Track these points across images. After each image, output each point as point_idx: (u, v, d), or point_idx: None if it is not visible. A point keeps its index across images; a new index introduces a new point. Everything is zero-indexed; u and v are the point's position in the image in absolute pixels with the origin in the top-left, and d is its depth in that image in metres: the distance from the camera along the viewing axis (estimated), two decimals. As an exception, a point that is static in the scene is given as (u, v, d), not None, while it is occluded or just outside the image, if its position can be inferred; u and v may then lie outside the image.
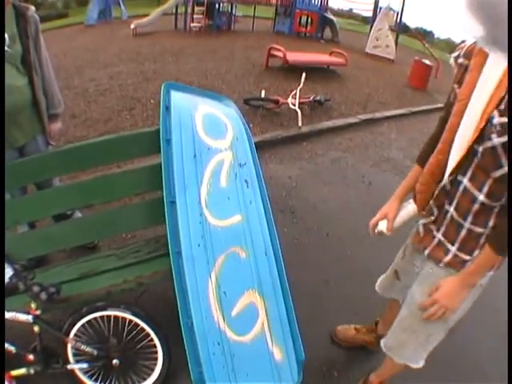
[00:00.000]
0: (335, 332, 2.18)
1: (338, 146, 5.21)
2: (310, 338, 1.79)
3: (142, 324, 1.65)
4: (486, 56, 1.09)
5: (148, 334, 1.66)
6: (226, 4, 14.26)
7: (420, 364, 1.55)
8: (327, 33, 15.62)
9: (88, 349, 1.61)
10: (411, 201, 1.50)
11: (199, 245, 1.52)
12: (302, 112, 5.37)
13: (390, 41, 12.39)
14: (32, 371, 1.60)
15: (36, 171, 1.71)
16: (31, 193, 2.23)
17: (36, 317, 1.52)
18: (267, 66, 8.26)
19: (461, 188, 1.20)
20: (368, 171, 4.54)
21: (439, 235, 1.32)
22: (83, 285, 1.76)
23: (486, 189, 1.14)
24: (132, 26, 11.74)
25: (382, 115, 6.69)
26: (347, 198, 3.85)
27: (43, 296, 1.43)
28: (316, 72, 8.16)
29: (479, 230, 1.22)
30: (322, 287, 2.57)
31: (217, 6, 13.64)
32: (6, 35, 1.82)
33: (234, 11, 14.91)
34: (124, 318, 1.65)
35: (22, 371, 1.60)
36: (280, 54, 7.92)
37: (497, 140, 1.04)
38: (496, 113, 1.04)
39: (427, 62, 9.53)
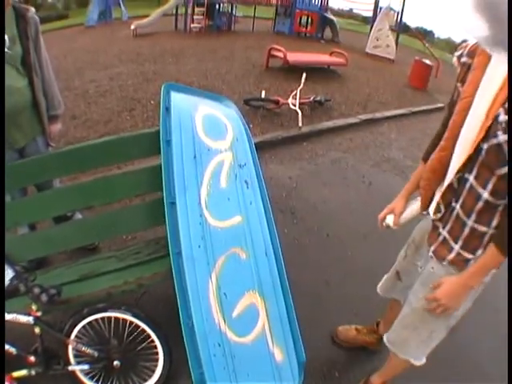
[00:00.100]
0: (336, 332, 2.18)
1: (339, 146, 5.21)
2: (311, 338, 1.79)
3: (143, 325, 1.65)
4: (489, 55, 1.09)
5: (149, 336, 1.66)
6: (226, 4, 14.27)
7: (423, 361, 1.55)
8: (327, 33, 15.62)
9: (89, 350, 1.61)
10: (419, 198, 1.51)
11: (199, 246, 1.52)
12: (302, 112, 5.37)
13: (391, 41, 12.39)
14: (33, 373, 1.60)
15: (36, 172, 1.71)
16: (31, 194, 2.23)
17: (37, 318, 1.53)
18: (267, 66, 8.27)
19: (467, 185, 1.20)
20: (368, 171, 4.54)
21: (444, 232, 1.32)
22: (83, 286, 1.76)
23: (490, 186, 1.14)
24: (132, 27, 11.75)
25: (383, 115, 6.69)
26: (347, 199, 3.85)
27: (44, 298, 1.44)
28: (316, 72, 8.16)
29: (482, 228, 1.22)
30: (323, 288, 2.57)
31: (217, 6, 13.65)
32: (6, 36, 1.83)
33: (234, 12, 14.92)
34: (125, 320, 1.65)
35: (22, 373, 1.60)
36: (280, 55, 7.92)
37: (502, 137, 1.04)
38: (502, 111, 1.05)
39: (427, 61, 9.52)
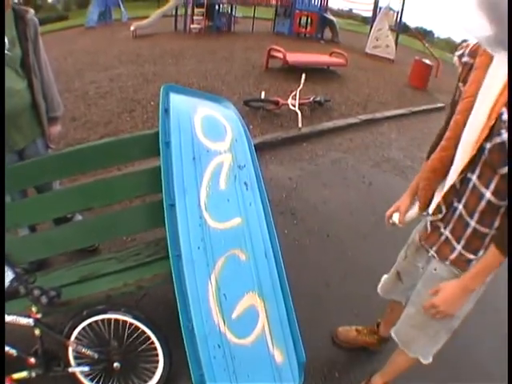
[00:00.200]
0: (336, 333, 2.18)
1: (339, 146, 5.21)
2: (311, 339, 1.79)
3: (143, 327, 1.65)
4: (491, 55, 1.10)
5: (149, 337, 1.66)
6: (225, 5, 14.29)
7: (429, 360, 1.56)
8: (327, 33, 15.63)
9: (89, 352, 1.61)
10: None
11: (199, 247, 1.52)
12: (302, 113, 5.37)
13: (390, 41, 12.39)
14: (33, 374, 1.60)
15: (36, 174, 1.71)
16: (31, 196, 2.23)
17: (37, 320, 1.53)
18: (267, 67, 8.27)
19: (470, 185, 1.21)
20: (368, 172, 4.54)
21: (447, 232, 1.32)
22: (83, 288, 1.76)
23: (492, 186, 1.14)
24: (132, 28, 11.77)
25: (383, 115, 6.68)
26: (348, 199, 3.85)
27: (44, 299, 1.44)
28: (316, 73, 8.16)
29: (484, 230, 1.22)
30: (323, 288, 2.57)
31: (217, 7, 13.67)
32: (6, 38, 1.83)
33: (233, 12, 14.92)
34: (125, 321, 1.65)
35: (23, 374, 1.60)
36: (280, 55, 7.92)
37: (506, 135, 1.04)
38: (505, 109, 1.05)
39: (427, 61, 9.53)
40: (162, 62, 8.25)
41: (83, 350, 1.61)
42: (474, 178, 1.18)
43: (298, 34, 15.12)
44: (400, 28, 14.94)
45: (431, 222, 1.41)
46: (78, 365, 1.67)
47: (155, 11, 13.47)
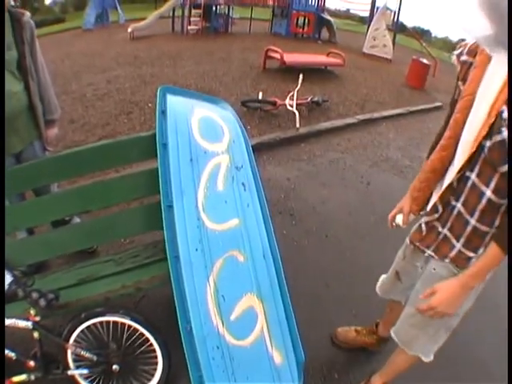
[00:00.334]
0: (335, 334, 2.18)
1: (337, 146, 5.21)
2: (310, 339, 1.79)
3: (142, 329, 1.65)
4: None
5: (147, 339, 1.66)
6: (222, 6, 14.29)
7: (431, 358, 1.55)
8: (324, 33, 15.63)
9: (88, 354, 1.61)
10: None
11: (197, 249, 1.52)
12: (299, 113, 5.37)
13: (388, 40, 12.40)
14: (32, 377, 1.60)
15: (34, 177, 1.71)
16: (30, 199, 2.22)
17: (35, 323, 1.52)
18: (265, 67, 8.27)
19: (469, 184, 1.21)
20: (367, 171, 4.54)
21: (445, 230, 1.32)
22: (82, 290, 1.76)
23: (492, 184, 1.14)
24: (129, 30, 11.77)
25: (380, 115, 6.69)
26: (346, 199, 3.85)
27: (42, 302, 1.44)
28: (313, 73, 8.16)
29: (485, 228, 1.22)
30: (322, 288, 2.57)
31: (214, 8, 13.66)
32: (2, 42, 1.83)
33: (230, 13, 14.92)
34: (123, 324, 1.65)
35: (22, 377, 1.59)
36: (277, 56, 7.93)
37: (507, 133, 1.04)
38: (505, 107, 1.05)
39: (425, 61, 9.54)
40: (160, 63, 8.25)
41: (82, 353, 1.61)
42: (473, 176, 1.18)
43: (296, 35, 15.13)
44: (397, 27, 14.93)
45: (426, 222, 1.41)
46: (77, 367, 1.67)
47: (152, 13, 13.48)
